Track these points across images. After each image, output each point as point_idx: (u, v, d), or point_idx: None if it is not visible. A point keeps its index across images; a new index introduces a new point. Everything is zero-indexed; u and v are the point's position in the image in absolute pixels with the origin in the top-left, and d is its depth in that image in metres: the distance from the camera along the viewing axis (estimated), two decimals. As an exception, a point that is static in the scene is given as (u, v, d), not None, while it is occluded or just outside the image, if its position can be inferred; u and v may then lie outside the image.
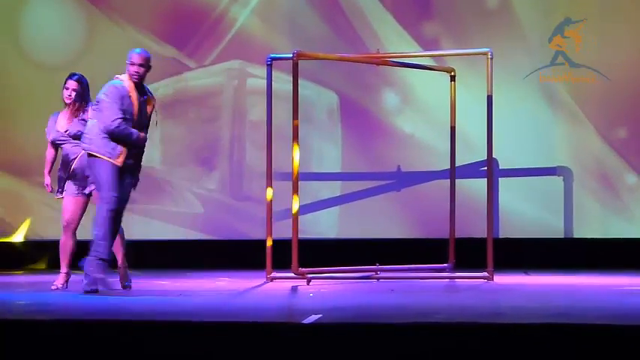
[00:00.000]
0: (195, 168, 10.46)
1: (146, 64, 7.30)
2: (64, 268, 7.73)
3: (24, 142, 10.59)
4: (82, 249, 7.44)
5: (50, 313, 6.16)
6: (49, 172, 7.90)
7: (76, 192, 7.69)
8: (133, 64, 7.27)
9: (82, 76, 7.76)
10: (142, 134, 7.30)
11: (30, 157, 10.59)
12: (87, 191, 7.67)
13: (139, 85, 7.32)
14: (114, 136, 7.18)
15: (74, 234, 7.70)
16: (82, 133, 7.42)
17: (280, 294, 7.59)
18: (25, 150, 10.56)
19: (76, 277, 7.77)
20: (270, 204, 8.63)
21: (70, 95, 7.69)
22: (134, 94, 7.26)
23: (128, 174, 7.31)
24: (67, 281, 7.71)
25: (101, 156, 7.18)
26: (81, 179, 7.66)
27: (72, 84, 7.70)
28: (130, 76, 7.28)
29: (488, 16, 10.26)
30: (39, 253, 10.48)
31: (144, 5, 10.66)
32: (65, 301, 6.88)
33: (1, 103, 10.70)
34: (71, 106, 7.74)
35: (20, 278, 8.93)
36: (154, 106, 7.41)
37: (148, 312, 6.26)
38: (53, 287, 7.67)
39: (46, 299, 7.02)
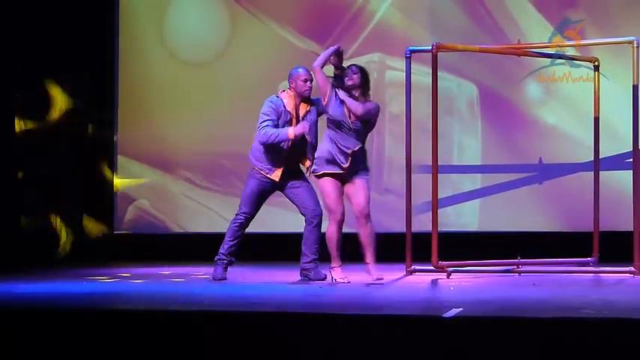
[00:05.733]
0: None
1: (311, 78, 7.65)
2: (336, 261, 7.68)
3: (168, 136, 10.84)
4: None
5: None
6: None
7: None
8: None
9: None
10: (291, 128, 7.49)
11: (174, 150, 10.83)
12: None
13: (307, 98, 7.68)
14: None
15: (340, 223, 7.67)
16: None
17: (420, 287, 7.57)
18: (169, 143, 10.81)
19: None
20: (409, 196, 8.60)
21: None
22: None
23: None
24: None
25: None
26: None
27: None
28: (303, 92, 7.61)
29: (635, 3, 9.98)
30: (185, 246, 10.64)
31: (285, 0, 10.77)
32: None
33: (147, 99, 10.95)
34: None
35: (180, 270, 9.11)
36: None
37: (288, 303, 6.34)
38: (346, 281, 7.65)
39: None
